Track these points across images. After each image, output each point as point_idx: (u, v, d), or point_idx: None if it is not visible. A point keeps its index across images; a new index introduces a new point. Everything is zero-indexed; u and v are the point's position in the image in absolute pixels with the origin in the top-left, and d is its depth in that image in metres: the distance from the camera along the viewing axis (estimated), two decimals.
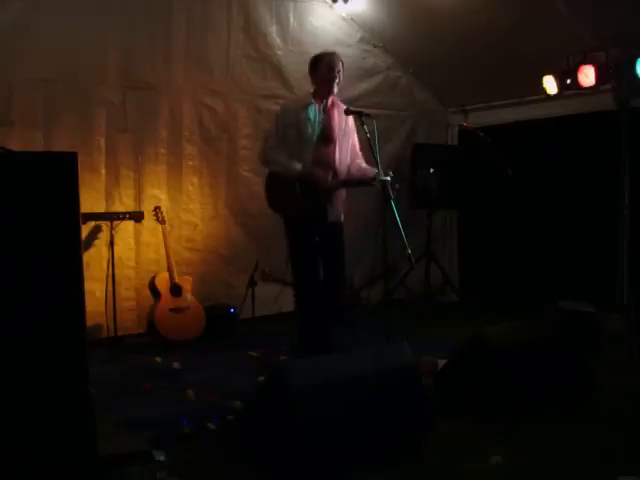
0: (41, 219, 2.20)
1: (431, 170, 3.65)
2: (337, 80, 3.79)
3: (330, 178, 3.77)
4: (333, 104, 3.90)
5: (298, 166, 3.76)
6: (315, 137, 3.80)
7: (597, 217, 5.32)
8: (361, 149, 4.03)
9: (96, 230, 4.86)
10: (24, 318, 2.20)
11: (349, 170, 3.96)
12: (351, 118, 3.95)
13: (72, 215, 2.27)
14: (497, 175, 5.59)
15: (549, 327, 3.75)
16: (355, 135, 4.02)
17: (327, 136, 3.84)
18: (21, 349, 2.20)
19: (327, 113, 3.86)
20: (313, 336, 3.81)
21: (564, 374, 3.54)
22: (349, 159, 3.98)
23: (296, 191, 3.77)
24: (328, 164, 3.83)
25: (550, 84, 5.10)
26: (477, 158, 5.94)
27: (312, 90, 3.91)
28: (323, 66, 3.81)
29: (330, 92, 3.82)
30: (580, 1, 4.56)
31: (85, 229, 4.74)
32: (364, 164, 4.00)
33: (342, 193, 3.98)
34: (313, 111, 3.82)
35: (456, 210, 6.72)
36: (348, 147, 3.97)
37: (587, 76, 4.80)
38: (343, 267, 4.02)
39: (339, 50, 5.81)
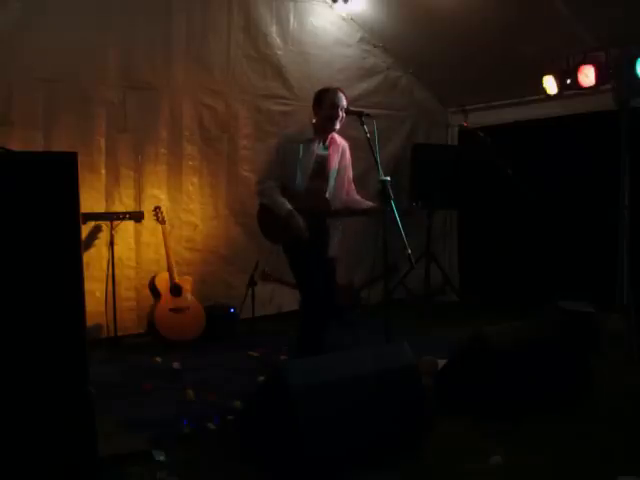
0: (41, 219, 2.20)
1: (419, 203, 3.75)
2: (340, 118, 3.76)
3: (305, 229, 3.72)
4: (332, 140, 3.90)
5: (286, 207, 3.74)
6: (310, 172, 3.81)
7: (597, 217, 5.32)
8: (361, 149, 4.03)
9: (96, 230, 4.86)
10: (24, 318, 2.20)
11: (346, 202, 4.00)
12: (348, 154, 4.00)
13: (72, 215, 2.27)
14: (497, 175, 5.59)
15: (549, 327, 3.75)
16: (350, 169, 4.06)
17: (322, 172, 3.86)
18: (21, 349, 2.20)
19: (326, 150, 3.87)
20: (313, 339, 3.81)
21: (564, 374, 3.54)
22: (344, 194, 4.01)
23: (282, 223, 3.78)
24: (319, 198, 3.85)
25: (550, 84, 5.11)
26: (477, 158, 5.94)
27: (314, 122, 3.88)
28: (326, 102, 3.77)
29: (332, 129, 3.81)
30: (580, 1, 4.56)
31: (85, 229, 4.74)
32: (357, 196, 4.04)
33: (338, 231, 4.00)
34: (314, 147, 3.82)
35: (456, 210, 6.72)
36: (343, 182, 4.00)
37: (587, 76, 4.80)
38: (333, 293, 4.03)
39: (339, 50, 5.92)
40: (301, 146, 3.80)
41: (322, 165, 3.86)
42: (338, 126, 3.81)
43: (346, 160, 4.01)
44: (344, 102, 3.77)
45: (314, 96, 3.88)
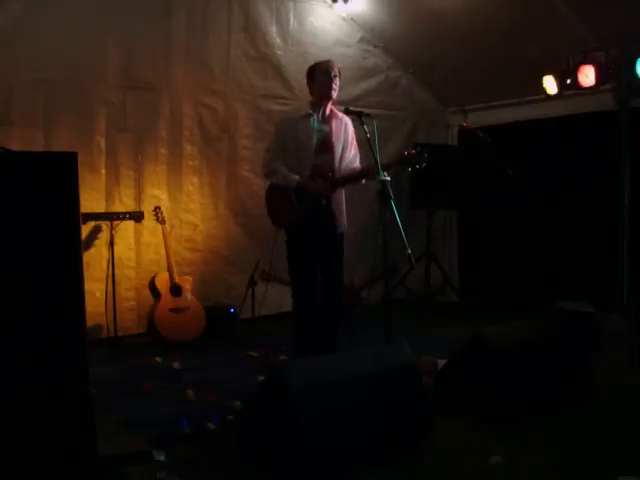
0: (41, 219, 2.20)
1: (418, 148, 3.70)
2: (334, 85, 3.77)
3: (324, 184, 3.74)
4: (332, 113, 3.89)
5: (296, 177, 3.77)
6: (314, 147, 3.80)
7: (597, 217, 5.32)
8: (361, 149, 4.03)
9: (96, 230, 4.86)
10: (24, 318, 2.20)
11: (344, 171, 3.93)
12: (351, 126, 3.96)
13: (72, 215, 2.27)
14: (497, 175, 5.59)
15: (549, 327, 3.75)
16: (356, 143, 4.00)
17: (326, 147, 3.84)
18: (21, 349, 2.20)
19: (327, 123, 3.85)
20: (306, 339, 3.82)
21: (564, 374, 3.53)
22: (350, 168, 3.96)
23: (292, 200, 3.79)
24: (327, 174, 3.82)
25: (550, 84, 5.11)
26: (477, 158, 5.94)
27: (310, 100, 3.90)
28: (318, 72, 3.81)
29: (329, 97, 3.81)
30: (580, 1, 4.56)
31: (85, 229, 4.74)
32: (357, 164, 3.98)
33: (342, 202, 3.96)
34: (313, 122, 3.82)
35: (456, 210, 6.72)
36: (349, 156, 3.96)
37: (587, 76, 4.80)
38: (341, 275, 4.00)
39: (339, 50, 5.92)
40: (299, 122, 3.81)
41: (325, 140, 3.83)
42: (335, 94, 3.80)
43: (349, 133, 3.97)
44: (336, 69, 3.80)
45: (306, 74, 3.90)
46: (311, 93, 3.91)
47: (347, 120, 3.95)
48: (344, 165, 3.92)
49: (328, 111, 3.88)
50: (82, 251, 2.41)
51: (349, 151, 3.96)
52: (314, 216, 3.79)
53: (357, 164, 3.99)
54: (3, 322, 2.17)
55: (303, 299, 3.86)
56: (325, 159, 3.83)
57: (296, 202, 3.79)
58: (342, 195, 3.97)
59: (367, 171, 3.71)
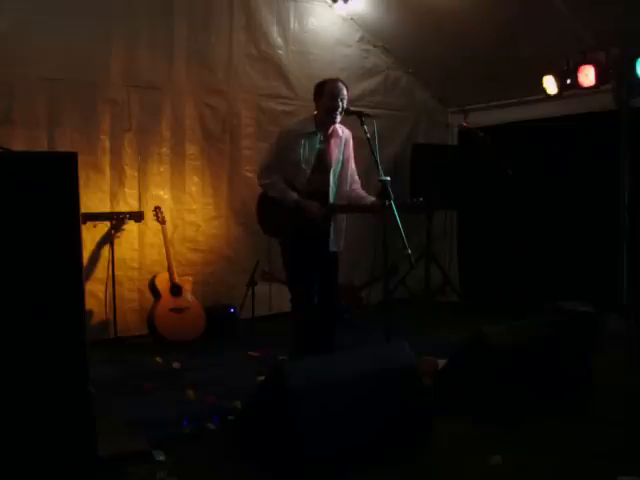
0: (41, 219, 2.20)
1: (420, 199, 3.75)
2: (340, 109, 3.69)
3: (321, 210, 3.71)
4: (334, 132, 3.83)
5: (294, 195, 3.73)
6: (311, 165, 3.77)
7: (597, 217, 5.31)
8: (361, 149, 4.01)
9: (98, 230, 4.85)
10: (24, 318, 2.20)
11: (349, 197, 3.91)
12: (351, 144, 3.93)
13: (72, 215, 2.27)
14: (497, 175, 5.59)
15: (549, 327, 3.75)
16: (353, 161, 3.97)
17: (323, 165, 3.80)
18: (21, 349, 2.20)
19: (326, 142, 3.81)
20: (305, 341, 3.82)
21: (564, 374, 3.53)
22: (347, 188, 3.92)
23: (287, 216, 3.75)
24: (322, 192, 3.79)
25: (550, 84, 5.11)
26: (477, 158, 5.94)
27: (316, 114, 3.82)
28: (326, 95, 3.71)
29: (333, 122, 3.76)
30: (579, 1, 4.56)
31: (86, 229, 4.73)
32: (362, 191, 3.96)
33: (343, 222, 3.93)
34: (316, 141, 3.77)
35: (456, 210, 6.71)
36: (347, 174, 3.93)
37: (587, 76, 4.81)
38: (335, 293, 3.98)
39: (339, 50, 5.93)
40: (303, 140, 3.75)
41: (322, 159, 3.80)
42: (339, 118, 3.74)
43: (349, 151, 3.92)
44: (344, 92, 3.72)
45: (314, 88, 3.82)
46: (317, 108, 3.81)
47: (347, 135, 3.90)
48: (340, 185, 3.87)
49: (330, 130, 3.82)
50: (82, 251, 2.41)
51: (347, 170, 3.92)
52: (308, 233, 3.75)
53: (358, 185, 3.97)
54: (3, 322, 2.17)
55: (301, 302, 3.85)
56: (321, 178, 3.80)
57: (292, 219, 3.74)
58: (344, 218, 3.93)
59: (372, 208, 3.69)
